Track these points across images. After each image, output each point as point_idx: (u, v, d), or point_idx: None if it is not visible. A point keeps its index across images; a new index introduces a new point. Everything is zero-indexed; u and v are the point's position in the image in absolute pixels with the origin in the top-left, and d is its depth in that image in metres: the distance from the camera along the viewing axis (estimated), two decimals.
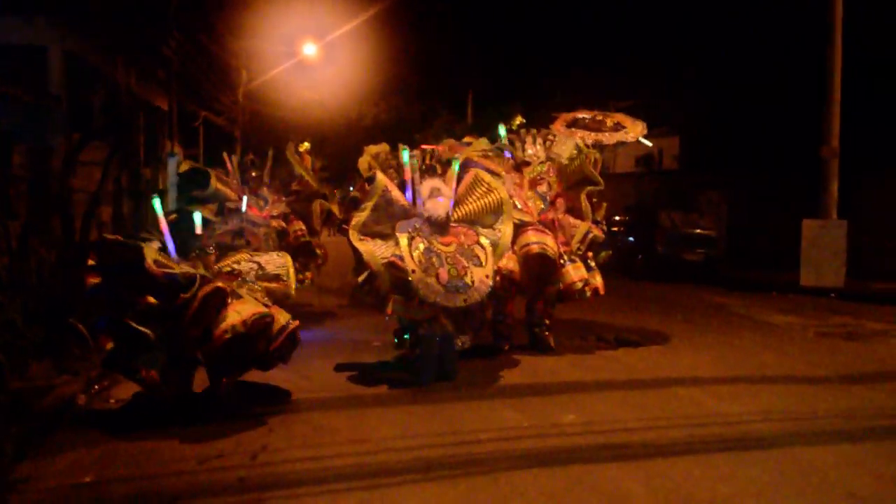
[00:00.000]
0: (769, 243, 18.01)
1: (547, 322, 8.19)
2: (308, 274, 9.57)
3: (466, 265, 6.50)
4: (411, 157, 6.91)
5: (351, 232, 6.50)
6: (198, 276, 5.29)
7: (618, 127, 8.70)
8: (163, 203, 6.01)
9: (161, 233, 5.73)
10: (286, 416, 5.53)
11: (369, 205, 6.57)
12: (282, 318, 5.54)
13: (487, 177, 6.98)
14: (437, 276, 6.33)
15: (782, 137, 18.31)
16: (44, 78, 13.98)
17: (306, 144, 11.02)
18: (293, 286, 5.93)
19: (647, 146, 10.02)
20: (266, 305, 5.51)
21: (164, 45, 15.66)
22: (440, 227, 6.70)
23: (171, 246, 5.65)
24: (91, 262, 5.41)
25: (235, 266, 5.78)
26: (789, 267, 14.83)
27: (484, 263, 6.60)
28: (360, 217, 6.55)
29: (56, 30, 13.75)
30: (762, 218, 18.79)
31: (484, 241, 6.75)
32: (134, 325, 5.11)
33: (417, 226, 6.60)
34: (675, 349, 8.47)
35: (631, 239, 17.86)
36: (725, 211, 19.79)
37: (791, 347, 8.68)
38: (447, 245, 6.56)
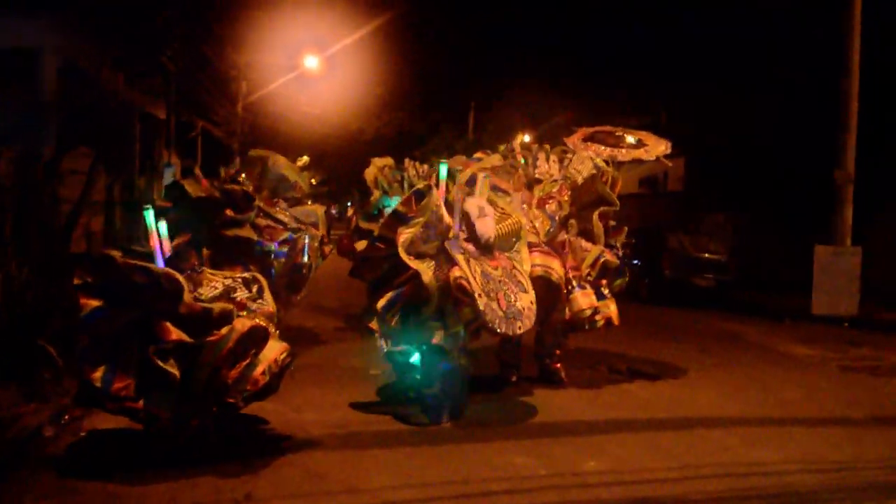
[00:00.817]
0: (778, 268, 17.47)
1: (558, 353, 7.65)
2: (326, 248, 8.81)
3: (515, 290, 5.87)
4: (451, 172, 6.24)
5: (401, 250, 5.71)
6: (233, 310, 4.75)
7: (640, 144, 8.13)
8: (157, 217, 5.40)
9: (151, 247, 5.17)
10: (273, 458, 4.95)
11: (421, 220, 5.82)
12: None
13: (501, 201, 6.41)
14: (498, 302, 5.68)
15: (793, 160, 17.83)
16: (35, 83, 13.51)
17: (305, 159, 10.46)
18: (274, 307, 5.36)
19: (665, 164, 9.43)
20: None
21: (162, 52, 15.17)
22: (487, 249, 6.03)
23: (160, 263, 5.09)
24: (78, 280, 4.81)
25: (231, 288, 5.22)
26: (799, 292, 14.27)
27: (528, 289, 5.97)
28: (409, 234, 5.78)
29: (50, 33, 13.26)
30: (771, 242, 18.27)
31: (518, 265, 6.14)
32: (160, 363, 4.49)
33: (465, 246, 5.92)
34: (693, 383, 7.92)
35: (636, 262, 17.32)
36: (732, 234, 19.24)
37: (816, 383, 8.13)
38: (495, 269, 5.91)
